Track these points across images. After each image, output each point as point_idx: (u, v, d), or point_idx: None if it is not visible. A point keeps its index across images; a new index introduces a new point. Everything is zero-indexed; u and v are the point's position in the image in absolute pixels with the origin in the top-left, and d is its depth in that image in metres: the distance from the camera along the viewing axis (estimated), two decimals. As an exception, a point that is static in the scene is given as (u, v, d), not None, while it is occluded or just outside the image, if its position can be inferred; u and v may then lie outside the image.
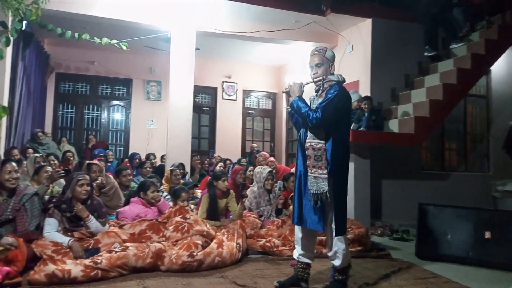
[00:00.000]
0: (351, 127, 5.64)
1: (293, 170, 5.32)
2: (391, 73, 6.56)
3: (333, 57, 2.89)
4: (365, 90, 6.52)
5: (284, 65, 10.13)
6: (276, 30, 6.61)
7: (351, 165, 5.21)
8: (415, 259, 3.93)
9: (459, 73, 5.80)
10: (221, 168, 6.46)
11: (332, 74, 2.85)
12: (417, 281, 3.22)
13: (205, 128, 10.39)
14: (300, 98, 2.81)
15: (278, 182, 4.61)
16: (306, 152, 2.74)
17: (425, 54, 6.22)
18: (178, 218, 3.59)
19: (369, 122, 5.67)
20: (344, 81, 2.87)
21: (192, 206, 4.30)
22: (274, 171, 4.95)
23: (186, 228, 3.48)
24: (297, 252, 2.94)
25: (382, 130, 5.84)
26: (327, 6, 6.23)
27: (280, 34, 6.81)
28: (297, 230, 2.91)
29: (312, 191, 2.68)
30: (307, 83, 2.88)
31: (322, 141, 2.71)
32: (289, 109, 2.94)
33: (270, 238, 3.89)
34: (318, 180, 2.67)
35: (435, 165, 6.96)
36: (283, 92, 2.85)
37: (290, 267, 3.43)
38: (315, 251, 3.12)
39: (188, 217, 3.61)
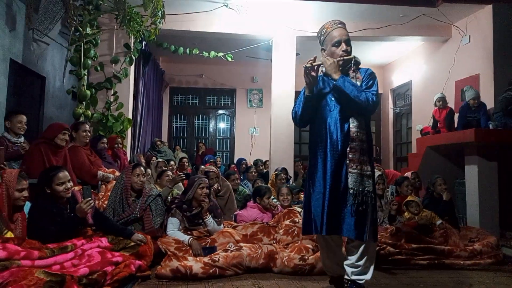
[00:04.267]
0: (488, 126, 5.09)
1: (407, 174, 4.99)
2: (519, 64, 5.76)
3: None
4: (487, 84, 5.83)
5: (389, 64, 9.61)
6: (381, 27, 6.30)
7: (475, 168, 4.67)
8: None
9: None
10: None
11: None
12: None
13: (305, 133, 10.33)
14: (347, 78, 2.33)
15: (390, 186, 4.36)
16: (352, 144, 2.27)
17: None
18: (287, 222, 3.61)
19: None
20: None
21: (300, 209, 4.28)
22: (384, 175, 4.69)
23: (296, 232, 3.47)
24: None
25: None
26: (438, -4, 5.74)
27: (385, 31, 6.47)
28: (322, 242, 2.45)
29: (354, 190, 2.24)
30: (339, 61, 2.38)
31: (365, 132, 2.33)
32: (311, 92, 2.41)
33: (384, 246, 3.66)
34: (364, 178, 2.26)
35: None
36: (307, 66, 2.25)
37: (408, 277, 3.19)
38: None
39: (297, 220, 3.61)
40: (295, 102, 2.50)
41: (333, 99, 2.39)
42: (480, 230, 4.18)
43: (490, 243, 3.74)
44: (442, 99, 5.93)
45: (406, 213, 4.13)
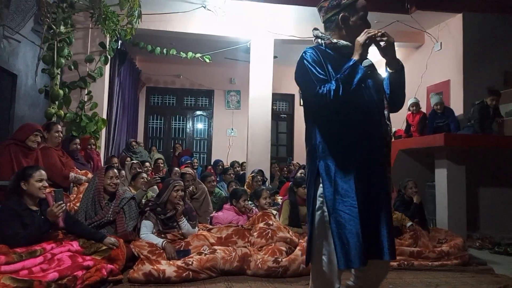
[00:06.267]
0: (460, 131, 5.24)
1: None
2: (487, 70, 5.98)
3: None
4: (457, 90, 6.04)
5: (363, 69, 9.81)
6: (356, 32, 6.43)
7: (444, 172, 4.83)
8: (524, 276, 3.51)
9: None
10: (302, 174, 6.39)
11: None
12: (529, 301, 2.86)
13: (282, 135, 10.44)
14: None
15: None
16: (389, 143, 1.88)
17: (529, 47, 5.59)
18: (261, 225, 3.63)
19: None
20: None
21: (274, 212, 4.32)
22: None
23: (270, 235, 3.50)
24: None
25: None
26: (411, 4, 5.88)
27: (360, 36, 6.61)
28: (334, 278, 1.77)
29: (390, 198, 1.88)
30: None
31: None
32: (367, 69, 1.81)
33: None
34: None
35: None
36: (381, 34, 1.64)
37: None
38: None
39: (271, 223, 3.64)
40: (330, 80, 1.77)
41: (372, 85, 1.89)
42: (448, 232, 4.32)
43: (457, 245, 3.87)
44: (416, 104, 6.09)
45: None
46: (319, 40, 1.92)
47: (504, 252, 4.36)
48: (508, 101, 5.61)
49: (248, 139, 6.71)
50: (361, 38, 1.77)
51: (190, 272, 2.94)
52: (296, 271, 3.19)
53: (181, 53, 6.62)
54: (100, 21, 5.36)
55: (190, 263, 2.98)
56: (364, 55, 1.79)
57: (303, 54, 1.85)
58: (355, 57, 1.77)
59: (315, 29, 1.97)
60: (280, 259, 3.19)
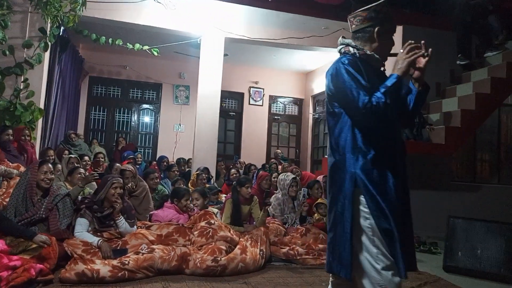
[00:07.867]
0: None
1: (319, 177, 5.31)
2: (422, 81, 6.42)
3: None
4: (394, 98, 6.42)
5: (311, 72, 10.11)
6: (305, 37, 6.62)
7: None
8: (443, 273, 3.83)
9: (494, 82, 5.63)
10: (235, 175, 6.26)
11: None
12: (444, 297, 3.14)
13: (231, 133, 10.48)
14: None
15: (303, 189, 4.59)
16: (405, 156, 1.93)
17: (458, 62, 6.08)
18: (203, 223, 3.65)
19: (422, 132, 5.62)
20: None
21: (216, 211, 4.34)
22: (298, 178, 4.93)
23: (210, 234, 3.53)
24: None
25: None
26: (356, 13, 6.16)
27: (308, 41, 6.81)
28: None
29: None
30: None
31: None
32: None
33: (294, 246, 3.88)
34: None
35: (466, 176, 6.75)
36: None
37: (313, 276, 3.42)
38: None
39: (213, 222, 3.67)
40: (384, 93, 1.73)
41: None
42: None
43: (386, 244, 4.14)
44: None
45: (316, 215, 4.40)
46: (350, 48, 1.87)
47: (428, 250, 4.72)
48: (437, 111, 6.07)
49: (195, 136, 6.68)
50: (408, 56, 1.78)
51: (126, 272, 2.89)
52: (235, 270, 3.25)
53: (128, 44, 6.42)
54: (40, 5, 5.06)
55: (127, 262, 2.93)
56: (407, 72, 1.79)
57: (342, 62, 1.81)
58: (398, 73, 1.78)
59: (344, 37, 1.94)
60: (219, 258, 3.23)
